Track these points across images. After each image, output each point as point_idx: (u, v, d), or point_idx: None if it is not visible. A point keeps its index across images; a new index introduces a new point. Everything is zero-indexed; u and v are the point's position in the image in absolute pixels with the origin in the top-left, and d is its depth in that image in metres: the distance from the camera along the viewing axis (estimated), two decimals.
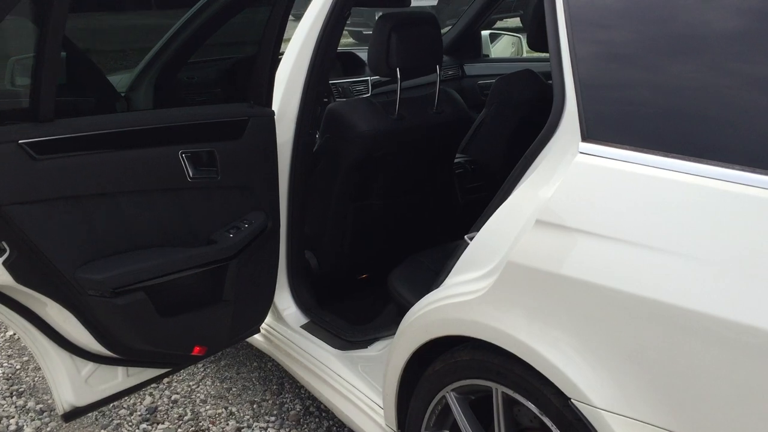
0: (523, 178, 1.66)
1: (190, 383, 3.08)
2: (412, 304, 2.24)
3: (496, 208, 1.70)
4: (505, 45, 4.70)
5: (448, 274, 1.86)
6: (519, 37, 4.57)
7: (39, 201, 1.71)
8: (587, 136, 1.51)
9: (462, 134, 2.89)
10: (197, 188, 2.07)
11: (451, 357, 1.77)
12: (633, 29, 1.51)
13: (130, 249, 1.92)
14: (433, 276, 2.41)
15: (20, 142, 1.66)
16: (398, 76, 2.51)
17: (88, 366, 2.07)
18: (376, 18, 2.56)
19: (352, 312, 2.71)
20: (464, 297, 1.66)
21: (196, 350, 2.18)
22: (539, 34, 2.91)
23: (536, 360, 1.51)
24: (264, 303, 2.42)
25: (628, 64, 1.49)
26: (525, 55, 4.67)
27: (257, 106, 2.25)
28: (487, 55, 4.52)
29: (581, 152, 1.50)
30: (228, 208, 2.20)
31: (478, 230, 1.76)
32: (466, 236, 1.79)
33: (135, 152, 1.90)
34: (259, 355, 3.30)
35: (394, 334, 2.15)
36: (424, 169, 2.86)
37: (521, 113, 3.10)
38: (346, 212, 2.75)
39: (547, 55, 3.38)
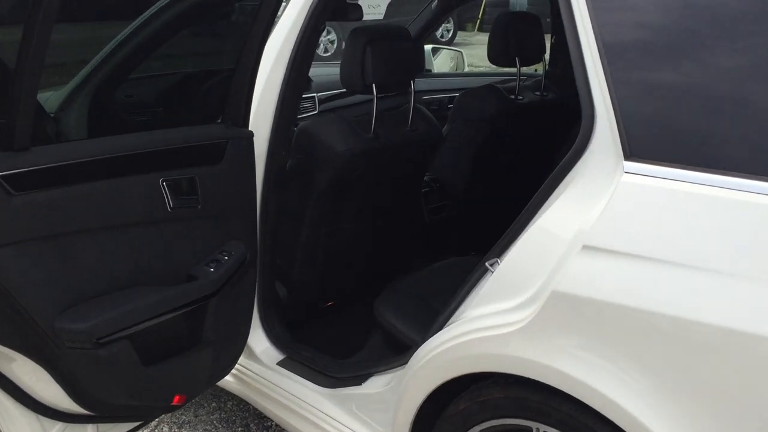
0: (552, 200, 1.55)
1: (145, 431, 2.81)
2: (409, 336, 2.12)
3: (521, 232, 1.59)
4: (443, 60, 4.65)
5: (460, 305, 1.73)
6: (460, 52, 4.52)
7: (13, 243, 1.47)
8: (631, 154, 1.42)
9: (434, 152, 2.78)
10: (178, 219, 1.87)
11: (479, 395, 1.64)
12: (674, 40, 1.43)
13: (109, 291, 1.70)
14: (422, 303, 2.29)
15: None
16: (374, 92, 2.38)
17: (57, 426, 1.82)
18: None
19: (330, 344, 2.54)
20: (497, 330, 1.53)
21: (176, 399, 1.96)
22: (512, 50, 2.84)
23: (590, 395, 1.40)
24: (242, 341, 2.23)
25: (673, 79, 1.42)
26: (467, 69, 4.63)
27: (234, 127, 2.06)
28: (430, 70, 4.44)
29: (627, 172, 1.41)
30: (207, 239, 2.01)
31: (499, 256, 1.64)
32: (486, 263, 1.66)
33: (118, 182, 1.69)
34: (216, 393, 3.06)
35: (390, 368, 2.01)
36: (396, 189, 2.73)
37: (486, 129, 3.01)
38: (317, 238, 2.59)
39: (495, 69, 3.27)
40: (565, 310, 1.42)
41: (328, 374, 2.27)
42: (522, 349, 1.49)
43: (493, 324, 1.55)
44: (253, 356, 2.45)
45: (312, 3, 2.26)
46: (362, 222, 2.67)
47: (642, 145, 1.41)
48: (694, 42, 1.40)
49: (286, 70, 2.26)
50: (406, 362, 1.87)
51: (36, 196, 1.50)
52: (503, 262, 1.60)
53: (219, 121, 2.08)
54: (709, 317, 1.25)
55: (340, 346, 2.51)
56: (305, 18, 2.26)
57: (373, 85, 2.36)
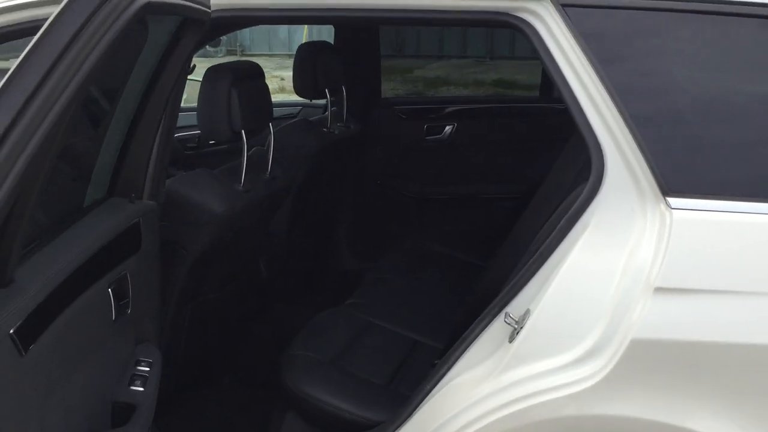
0: (570, 242, 1.49)
1: None
2: (360, 414, 1.89)
3: (531, 278, 1.51)
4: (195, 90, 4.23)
5: (453, 366, 1.60)
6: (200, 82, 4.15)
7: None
8: (670, 190, 1.43)
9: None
10: (118, 333, 1.41)
11: None
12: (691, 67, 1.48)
13: None
14: (337, 371, 2.05)
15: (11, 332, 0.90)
16: (244, 139, 2.08)
17: None
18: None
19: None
20: (567, 390, 1.43)
21: None
22: None
23: None
24: None
25: (696, 112, 1.46)
26: None
27: (139, 200, 1.62)
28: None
29: (675, 208, 1.41)
30: (125, 349, 1.56)
31: (505, 306, 1.54)
32: (505, 319, 1.55)
33: (82, 300, 1.20)
34: None
35: None
36: (254, 245, 2.43)
37: (307, 167, 2.81)
38: (184, 315, 2.17)
39: None
40: (648, 357, 1.38)
41: None
42: (602, 405, 1.41)
43: (557, 384, 1.44)
44: None
45: None
46: (226, 288, 2.31)
47: (681, 181, 1.43)
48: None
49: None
50: None
51: (40, 347, 0.99)
52: (537, 312, 1.49)
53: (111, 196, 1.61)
54: None
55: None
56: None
57: (243, 131, 2.06)
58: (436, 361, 1.82)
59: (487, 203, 3.43)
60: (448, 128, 3.42)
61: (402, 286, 2.67)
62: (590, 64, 1.45)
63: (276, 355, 2.20)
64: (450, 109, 3.54)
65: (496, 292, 1.78)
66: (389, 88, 6.33)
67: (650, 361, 1.38)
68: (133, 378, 1.54)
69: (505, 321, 1.54)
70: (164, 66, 1.56)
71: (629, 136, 1.43)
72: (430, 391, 1.66)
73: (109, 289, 1.35)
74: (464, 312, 2.00)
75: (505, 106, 3.64)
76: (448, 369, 1.63)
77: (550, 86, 3.41)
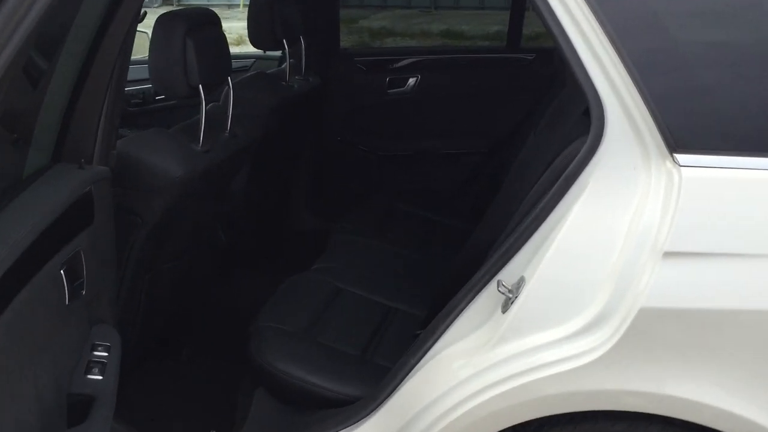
0: (568, 203, 1.38)
1: None
2: (338, 391, 1.77)
3: (526, 242, 1.40)
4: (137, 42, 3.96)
5: (440, 337, 1.49)
6: (146, 33, 3.89)
7: None
8: (677, 146, 1.32)
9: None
10: (72, 318, 1.25)
11: None
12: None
13: None
14: (309, 343, 1.92)
15: None
16: (202, 95, 1.90)
17: None
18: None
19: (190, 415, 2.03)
20: (571, 363, 1.33)
21: None
22: None
23: (698, 412, 1.30)
24: None
25: (705, 61, 1.34)
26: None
27: (89, 166, 1.44)
28: None
29: (684, 165, 1.31)
30: (80, 333, 1.39)
31: (496, 274, 1.43)
32: (499, 288, 1.43)
33: (31, 286, 1.04)
34: None
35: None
36: (214, 210, 2.26)
37: (265, 126, 2.63)
38: (140, 287, 2.00)
39: None
40: (658, 327, 1.29)
41: None
42: (610, 380, 1.31)
43: (560, 356, 1.33)
44: None
45: None
46: (182, 257, 2.15)
47: (690, 135, 1.32)
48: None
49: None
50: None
51: None
52: (533, 280, 1.38)
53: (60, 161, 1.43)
54: None
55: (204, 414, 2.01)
56: None
57: (200, 86, 1.88)
58: (417, 332, 1.71)
59: (453, 159, 3.30)
60: (411, 80, 3.27)
61: (369, 248, 2.54)
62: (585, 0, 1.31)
63: (239, 323, 2.08)
64: (413, 59, 3.38)
65: (482, 256, 1.67)
66: None
67: (661, 331, 1.29)
68: (90, 366, 1.37)
69: (499, 290, 1.43)
70: (114, 12, 1.37)
71: (631, 84, 1.30)
72: (415, 365, 1.55)
73: (62, 271, 1.19)
74: (447, 278, 1.88)
75: (472, 56, 3.49)
76: (435, 341, 1.52)
77: (518, 36, 3.29)
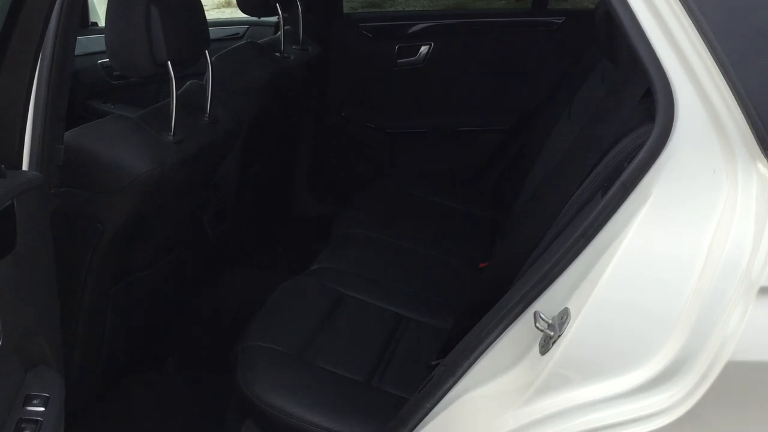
0: (624, 216, 1.08)
1: None
2: (323, 426, 1.51)
3: (584, 269, 1.11)
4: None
5: (461, 378, 1.22)
6: None
7: None
8: None
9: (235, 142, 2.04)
10: None
11: None
12: None
13: None
14: (305, 369, 1.64)
15: None
16: (171, 73, 1.59)
17: None
18: None
19: None
20: (635, 427, 1.05)
21: None
22: None
23: None
24: None
25: None
26: None
27: (14, 172, 1.13)
28: (96, 24, 3.43)
29: None
30: (7, 384, 1.10)
31: (553, 306, 1.14)
32: (536, 323, 1.13)
33: None
34: None
35: None
36: (194, 206, 1.96)
37: (257, 105, 2.31)
38: (104, 303, 1.71)
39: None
40: (752, 385, 0.99)
41: None
42: None
43: (624, 417, 1.05)
44: None
45: None
46: (160, 262, 1.85)
47: None
48: None
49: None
50: None
51: None
52: (582, 315, 1.08)
53: None
54: None
55: None
56: None
57: (169, 63, 1.58)
58: (434, 362, 1.43)
59: (471, 137, 2.99)
60: (423, 49, 2.94)
61: (377, 243, 2.25)
62: None
63: (230, 327, 1.83)
64: (425, 25, 3.04)
65: (514, 270, 1.39)
66: None
67: (749, 387, 1.01)
68: (21, 426, 1.09)
69: (536, 326, 1.13)
70: None
71: (712, 64, 1.01)
72: (431, 409, 1.29)
73: None
74: (472, 290, 1.60)
75: (492, 20, 3.15)
76: (457, 380, 1.25)
77: None
